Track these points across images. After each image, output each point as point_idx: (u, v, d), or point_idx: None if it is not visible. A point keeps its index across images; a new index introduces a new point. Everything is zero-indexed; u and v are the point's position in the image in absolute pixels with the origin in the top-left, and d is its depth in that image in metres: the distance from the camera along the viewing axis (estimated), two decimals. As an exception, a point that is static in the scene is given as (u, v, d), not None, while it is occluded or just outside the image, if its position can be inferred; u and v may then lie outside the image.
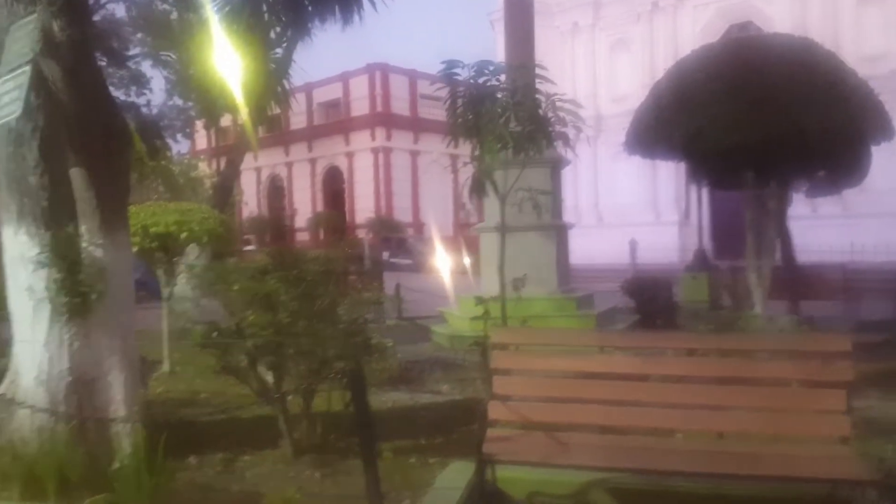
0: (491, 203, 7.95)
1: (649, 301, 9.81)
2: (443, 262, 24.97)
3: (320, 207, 40.84)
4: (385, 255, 27.19)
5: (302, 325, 4.33)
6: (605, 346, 3.69)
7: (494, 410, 3.43)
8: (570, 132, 5.35)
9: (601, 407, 3.40)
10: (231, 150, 16.94)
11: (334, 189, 40.73)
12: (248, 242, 37.34)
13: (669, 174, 28.29)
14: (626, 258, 21.70)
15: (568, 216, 15.10)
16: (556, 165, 9.76)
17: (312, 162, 41.21)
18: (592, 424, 3.42)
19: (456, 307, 10.30)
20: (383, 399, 5.85)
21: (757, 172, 7.21)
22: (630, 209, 30.24)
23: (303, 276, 4.58)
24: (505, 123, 5.12)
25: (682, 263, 17.26)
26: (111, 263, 3.92)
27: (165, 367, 7.28)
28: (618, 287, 10.50)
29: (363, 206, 37.72)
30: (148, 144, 18.83)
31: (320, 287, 4.63)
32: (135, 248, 6.69)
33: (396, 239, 31.44)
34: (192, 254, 8.31)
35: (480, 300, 5.46)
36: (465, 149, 5.77)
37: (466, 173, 5.72)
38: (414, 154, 38.99)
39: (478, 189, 5.34)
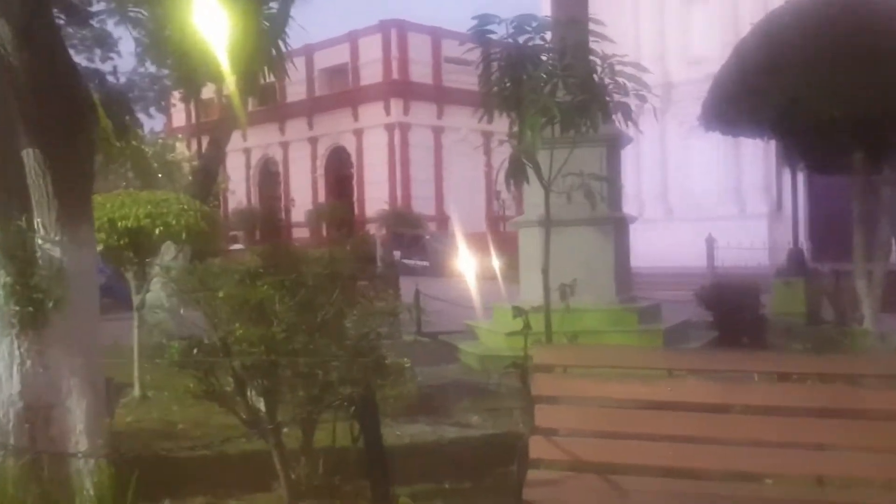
0: (533, 191, 7.93)
1: (731, 313, 9.73)
2: (470, 264, 25.02)
3: (323, 197, 41.13)
4: (396, 254, 27.28)
5: (301, 340, 4.36)
6: (675, 368, 3.66)
7: (537, 447, 3.42)
8: (633, 102, 5.31)
9: (669, 445, 3.36)
10: (215, 128, 17.13)
11: (340, 174, 40.98)
12: (235, 240, 37.72)
13: (757, 155, 27.93)
14: (702, 259, 21.51)
15: (629, 207, 14.94)
16: (615, 144, 9.70)
17: (313, 141, 41.52)
18: (658, 466, 3.39)
19: (488, 320, 10.29)
20: (399, 432, 5.88)
21: (867, 153, 7.09)
22: (707, 198, 29.93)
23: (302, 281, 4.60)
24: (551, 92, 5.11)
25: (773, 266, 17.04)
26: (71, 265, 3.98)
27: (136, 390, 7.38)
28: (691, 295, 10.42)
29: (375, 196, 37.90)
30: (115, 121, 19.04)
31: (323, 294, 4.65)
32: (99, 247, 6.79)
33: (410, 235, 31.51)
34: (168, 253, 8.41)
35: (519, 311, 5.44)
36: (501, 124, 5.75)
37: (503, 154, 5.71)
38: (437, 131, 39.07)
39: (516, 174, 5.33)
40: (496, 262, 12.79)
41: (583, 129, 5.24)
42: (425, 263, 27.31)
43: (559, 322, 5.73)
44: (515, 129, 5.30)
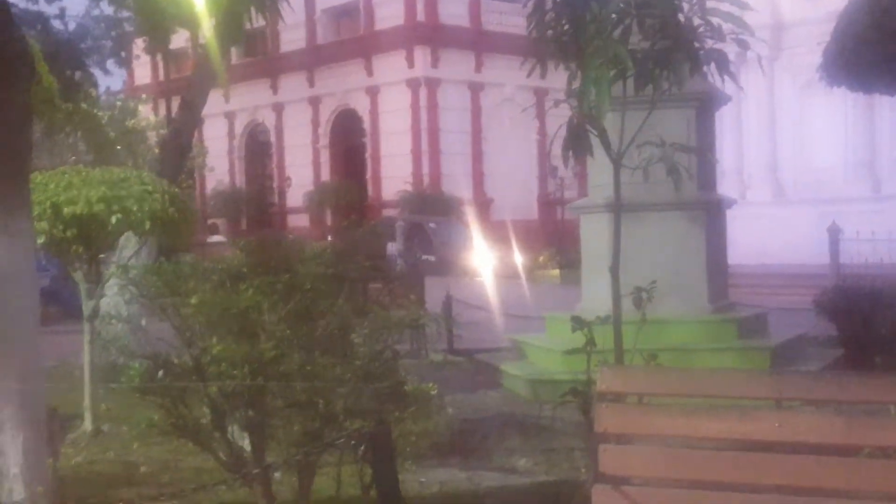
0: (599, 166, 7.89)
1: (862, 325, 9.60)
2: (490, 259, 25.17)
3: (327, 175, 41.34)
4: (392, 247, 27.64)
5: (296, 360, 4.38)
6: (787, 398, 3.62)
7: (601, 500, 3.41)
8: (731, 49, 5.26)
9: (777, 498, 3.34)
10: (188, 86, 17.26)
11: (349, 146, 41.12)
12: (214, 230, 38.02)
13: (896, 118, 27.56)
14: (824, 254, 21.25)
15: (726, 187, 14.78)
16: (707, 104, 9.63)
17: (315, 103, 41.73)
18: (763, 526, 3.37)
19: (540, 334, 10.27)
20: (424, 479, 5.87)
21: None
22: (831, 175, 29.59)
23: (298, 284, 4.63)
24: (622, 37, 5.08)
25: (918, 264, 16.82)
26: (3, 263, 4.04)
27: (87, 423, 7.48)
28: (809, 301, 10.32)
29: (394, 173, 38.01)
30: (61, 77, 19.35)
31: (325, 301, 4.67)
32: (41, 239, 6.87)
33: (408, 224, 31.68)
34: (128, 248, 8.51)
35: (580, 323, 5.41)
36: (556, 79, 5.72)
37: (560, 118, 5.69)
38: (475, 88, 39.05)
39: (577, 144, 5.31)
40: (522, 258, 12.82)
41: (664, 84, 5.20)
42: (430, 258, 27.66)
43: (633, 337, 5.70)
44: (576, 85, 5.27)
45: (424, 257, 27.20)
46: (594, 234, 9.49)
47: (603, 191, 8.73)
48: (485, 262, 25.08)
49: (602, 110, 5.12)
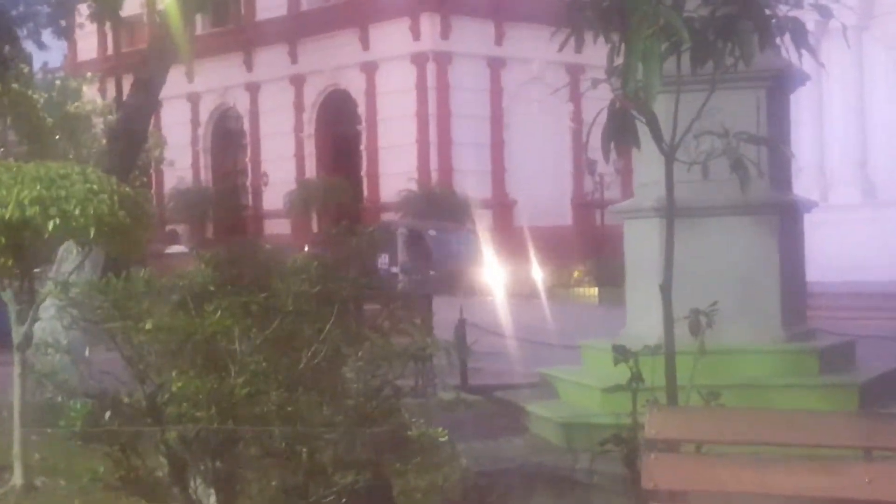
0: (647, 161, 7.89)
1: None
2: (501, 275, 25.24)
3: (313, 170, 41.43)
4: (383, 260, 27.78)
5: (274, 399, 4.39)
6: (878, 447, 3.62)
7: (652, 574, 3.42)
8: (810, 18, 5.27)
9: (869, 571, 3.33)
10: (144, 62, 17.37)
11: (339, 134, 41.23)
12: (173, 238, 38.15)
13: None
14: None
15: (804, 186, 14.78)
16: (780, 85, 9.63)
17: (298, 82, 41.86)
18: None
19: (575, 367, 10.26)
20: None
21: None
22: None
23: (277, 305, 4.63)
24: (676, 1, 5.09)
25: None
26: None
27: (17, 476, 7.48)
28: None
29: (395, 168, 38.07)
30: (-12, 51, 19.46)
31: (310, 326, 4.67)
32: (-38, 249, 6.91)
33: (410, 233, 31.78)
34: (69, 261, 8.52)
35: (624, 353, 5.41)
36: (594, 54, 5.73)
37: (599, 102, 5.70)
38: (495, 65, 39.13)
39: (621, 133, 5.32)
40: (551, 273, 12.81)
41: (728, 60, 5.21)
42: (430, 272, 27.80)
43: (689, 371, 5.69)
44: (619, 61, 5.28)
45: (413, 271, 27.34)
46: (641, 244, 9.48)
47: (652, 190, 8.73)
48: (499, 277, 25.13)
49: (651, 92, 5.12)
